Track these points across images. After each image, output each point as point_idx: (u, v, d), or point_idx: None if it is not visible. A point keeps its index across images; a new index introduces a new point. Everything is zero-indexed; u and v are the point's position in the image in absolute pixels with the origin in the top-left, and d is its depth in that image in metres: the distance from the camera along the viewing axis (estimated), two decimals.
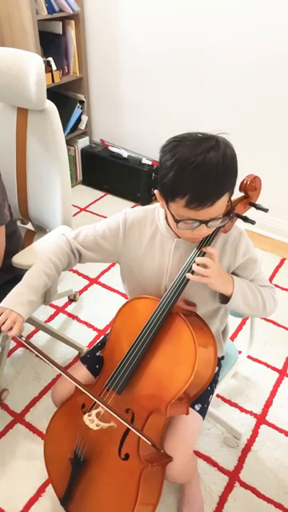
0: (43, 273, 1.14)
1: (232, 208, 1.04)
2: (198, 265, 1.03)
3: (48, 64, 2.60)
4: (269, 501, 1.46)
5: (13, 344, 1.95)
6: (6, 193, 1.37)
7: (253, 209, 1.11)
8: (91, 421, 1.06)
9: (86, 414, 1.08)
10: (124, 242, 1.17)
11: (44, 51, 2.66)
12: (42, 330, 2.00)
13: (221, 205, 0.95)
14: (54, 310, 2.16)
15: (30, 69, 1.38)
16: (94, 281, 2.35)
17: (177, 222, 0.97)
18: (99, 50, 2.84)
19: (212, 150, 0.90)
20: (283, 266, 2.50)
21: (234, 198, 1.03)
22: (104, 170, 3.04)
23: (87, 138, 3.14)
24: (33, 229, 1.86)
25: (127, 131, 3.02)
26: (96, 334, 2.04)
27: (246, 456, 1.58)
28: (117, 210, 1.21)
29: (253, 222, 1.05)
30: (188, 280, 1.05)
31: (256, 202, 1.11)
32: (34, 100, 1.42)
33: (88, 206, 2.99)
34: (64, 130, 1.75)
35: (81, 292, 2.27)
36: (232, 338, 2.02)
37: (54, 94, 2.66)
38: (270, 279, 2.40)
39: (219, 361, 1.36)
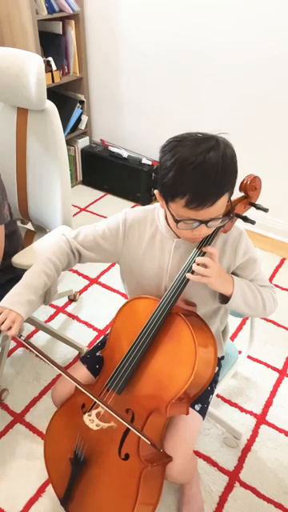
0: (43, 273, 1.14)
1: (232, 208, 1.04)
2: (198, 264, 1.03)
3: (48, 64, 2.60)
4: (269, 501, 1.46)
5: (13, 344, 1.95)
6: (5, 192, 1.37)
7: (253, 209, 1.11)
8: (91, 421, 1.06)
9: (86, 414, 1.08)
10: (124, 242, 1.17)
11: (44, 51, 2.66)
12: (41, 330, 2.00)
13: (221, 205, 0.95)
14: (54, 310, 2.16)
15: (30, 69, 1.38)
16: (94, 281, 2.35)
17: (177, 222, 0.97)
18: (99, 50, 2.84)
19: (212, 150, 0.90)
20: (283, 266, 2.50)
21: (233, 198, 1.03)
22: (104, 170, 3.04)
23: (87, 138, 3.14)
24: (33, 229, 1.86)
25: (127, 131, 3.02)
26: (96, 333, 2.04)
27: (246, 456, 1.58)
28: (117, 210, 1.21)
29: (253, 222, 1.05)
30: (188, 280, 1.05)
31: (256, 202, 1.11)
32: (34, 100, 1.43)
33: (88, 206, 2.99)
34: (64, 130, 1.75)
35: (81, 292, 2.27)
36: (232, 338, 2.02)
37: (54, 94, 2.66)
38: (270, 279, 2.40)
39: (219, 361, 1.36)
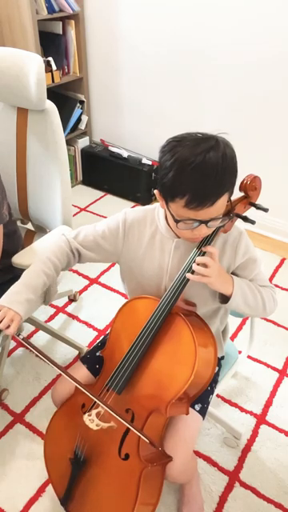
0: (42, 272, 1.14)
1: (232, 208, 1.04)
2: (198, 264, 1.03)
3: (48, 64, 2.60)
4: (269, 501, 1.46)
5: (13, 344, 1.95)
6: (5, 192, 1.37)
7: (253, 209, 1.11)
8: (91, 421, 1.06)
9: (86, 414, 1.08)
10: (124, 242, 1.17)
11: (44, 51, 2.66)
12: (42, 330, 2.00)
13: (220, 205, 0.95)
14: (54, 310, 2.16)
15: (30, 69, 1.38)
16: (94, 281, 2.35)
17: (177, 222, 0.97)
18: (99, 50, 2.84)
19: (212, 150, 0.90)
20: (283, 266, 2.50)
21: (233, 197, 1.03)
22: (104, 170, 3.04)
23: (87, 138, 3.14)
24: (33, 229, 1.86)
25: (127, 131, 3.03)
26: (96, 334, 2.04)
27: (246, 456, 1.58)
28: (117, 210, 1.21)
29: (253, 222, 1.05)
30: (188, 280, 1.05)
31: (256, 202, 1.11)
32: (34, 100, 1.42)
33: (88, 206, 2.99)
34: (64, 130, 1.75)
35: (81, 292, 2.27)
36: (232, 338, 2.02)
37: (54, 93, 2.66)
38: (270, 279, 2.40)
39: (219, 361, 1.36)
